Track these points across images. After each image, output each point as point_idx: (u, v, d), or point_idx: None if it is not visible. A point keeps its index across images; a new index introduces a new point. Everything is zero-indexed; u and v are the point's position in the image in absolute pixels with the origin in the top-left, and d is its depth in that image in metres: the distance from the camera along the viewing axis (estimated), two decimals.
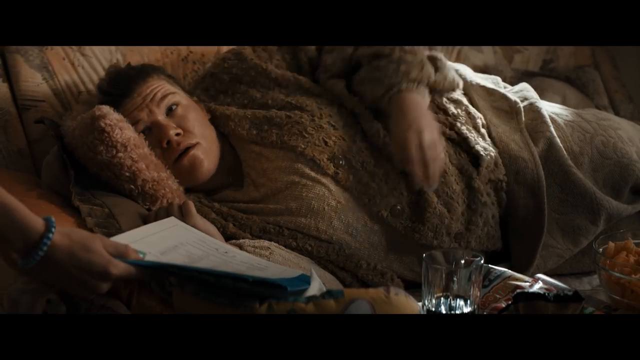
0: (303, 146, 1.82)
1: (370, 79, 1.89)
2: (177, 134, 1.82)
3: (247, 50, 1.99)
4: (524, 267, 1.84)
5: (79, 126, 1.76)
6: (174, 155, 1.82)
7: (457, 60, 2.62)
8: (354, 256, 1.79)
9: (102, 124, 1.71)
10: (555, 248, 1.89)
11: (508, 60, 2.68)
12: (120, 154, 1.71)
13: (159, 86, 1.87)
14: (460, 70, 2.10)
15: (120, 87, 1.85)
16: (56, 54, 2.05)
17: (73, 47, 2.06)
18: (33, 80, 2.02)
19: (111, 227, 1.62)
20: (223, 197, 1.88)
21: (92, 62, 2.07)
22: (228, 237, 1.77)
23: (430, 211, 1.80)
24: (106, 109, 1.75)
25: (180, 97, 1.88)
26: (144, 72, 1.89)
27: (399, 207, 1.81)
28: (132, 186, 1.73)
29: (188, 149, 1.82)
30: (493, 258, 1.88)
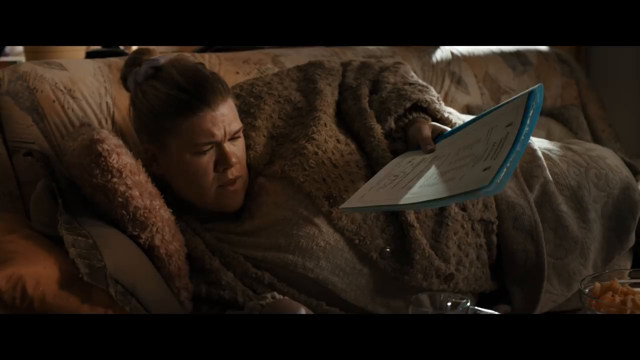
0: (302, 179, 1.83)
1: (394, 97, 1.95)
2: (235, 165, 1.84)
3: (275, 80, 2.05)
4: (527, 313, 1.86)
5: (78, 146, 1.76)
6: (221, 181, 1.84)
7: (445, 101, 2.64)
8: (340, 300, 1.80)
9: (100, 148, 1.71)
10: (551, 293, 1.90)
11: (495, 101, 2.70)
12: (115, 179, 1.71)
13: (235, 112, 1.86)
14: (452, 113, 2.12)
15: (204, 93, 1.80)
16: (46, 96, 2.05)
17: (63, 90, 2.07)
18: (23, 122, 2.03)
19: (93, 258, 1.62)
20: (217, 228, 1.89)
21: (82, 104, 2.08)
22: (211, 271, 1.80)
23: (419, 253, 1.80)
24: (105, 133, 1.75)
25: (242, 131, 1.89)
26: (228, 89, 1.86)
27: (388, 249, 1.81)
28: (124, 212, 1.73)
29: (235, 180, 1.85)
30: (491, 300, 1.90)
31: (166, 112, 1.80)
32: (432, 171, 1.69)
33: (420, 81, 2.06)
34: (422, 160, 1.78)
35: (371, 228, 1.81)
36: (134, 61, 1.90)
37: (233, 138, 1.85)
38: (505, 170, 1.46)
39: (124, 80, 1.94)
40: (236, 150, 1.85)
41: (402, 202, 1.61)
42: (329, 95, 2.03)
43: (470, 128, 1.81)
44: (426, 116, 1.95)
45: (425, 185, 1.64)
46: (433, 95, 1.99)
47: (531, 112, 1.60)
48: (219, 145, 1.82)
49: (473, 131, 1.78)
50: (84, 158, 1.73)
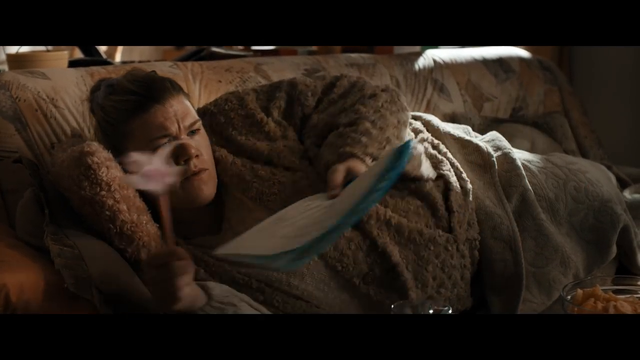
0: (281, 207, 1.79)
1: (331, 143, 1.88)
2: (197, 156, 1.83)
3: (250, 97, 2.03)
4: None
5: (68, 158, 1.76)
6: (186, 174, 1.82)
7: (427, 109, 2.65)
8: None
9: (89, 161, 1.71)
10: (531, 302, 1.90)
11: (478, 109, 2.71)
12: (103, 192, 1.72)
13: (189, 107, 1.88)
14: (432, 121, 2.13)
15: (151, 92, 1.83)
16: (29, 105, 2.05)
17: (45, 99, 2.07)
18: (6, 131, 2.02)
19: (79, 268, 1.63)
20: (200, 242, 1.88)
21: (64, 113, 2.08)
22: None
23: (401, 280, 1.80)
24: (95, 146, 1.75)
25: (200, 124, 1.89)
26: (178, 87, 1.89)
27: (371, 273, 1.80)
28: (111, 225, 1.73)
29: (200, 172, 1.84)
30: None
31: (120, 117, 1.82)
32: (308, 221, 1.60)
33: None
34: (317, 207, 1.68)
35: (355, 253, 1.80)
36: (96, 88, 1.93)
37: (192, 132, 1.86)
38: (307, 252, 1.44)
39: (92, 111, 1.95)
40: (196, 144, 1.85)
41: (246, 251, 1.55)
42: (298, 121, 2.01)
43: (366, 174, 1.72)
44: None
45: (292, 235, 1.55)
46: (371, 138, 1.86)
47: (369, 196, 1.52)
48: (176, 139, 1.82)
49: (359, 180, 1.71)
50: (73, 170, 1.73)
